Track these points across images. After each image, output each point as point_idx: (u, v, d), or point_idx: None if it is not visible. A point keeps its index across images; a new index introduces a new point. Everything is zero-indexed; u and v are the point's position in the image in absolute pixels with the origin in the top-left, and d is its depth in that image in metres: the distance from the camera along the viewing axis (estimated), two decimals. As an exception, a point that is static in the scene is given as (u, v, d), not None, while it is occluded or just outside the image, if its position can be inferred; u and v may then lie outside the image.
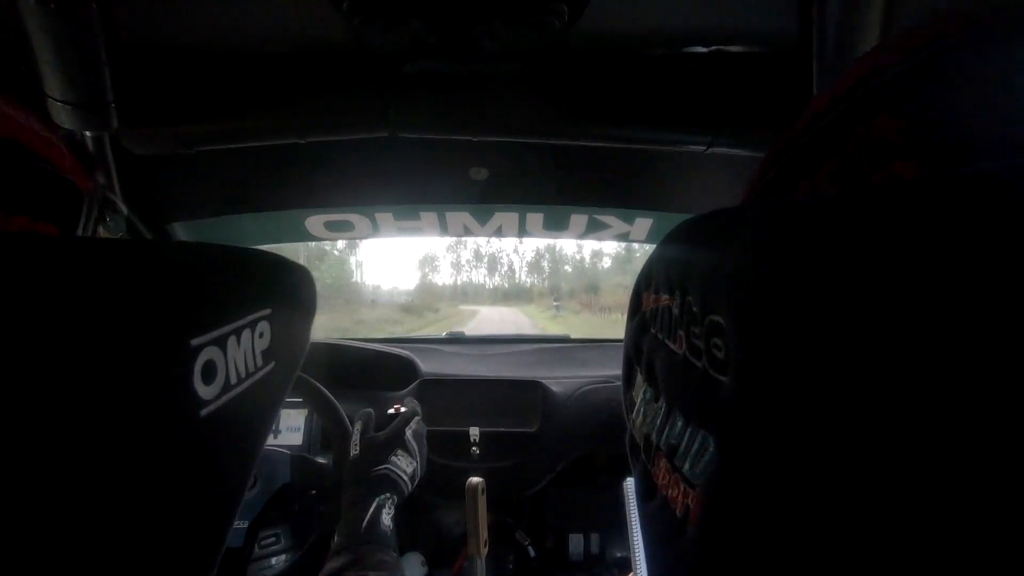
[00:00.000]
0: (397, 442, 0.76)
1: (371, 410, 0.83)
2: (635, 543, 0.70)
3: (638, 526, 0.72)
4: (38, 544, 0.19)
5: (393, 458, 0.73)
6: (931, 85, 0.16)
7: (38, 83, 0.55)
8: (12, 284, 0.18)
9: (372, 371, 1.19)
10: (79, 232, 0.34)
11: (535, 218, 1.09)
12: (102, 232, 0.49)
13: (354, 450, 0.74)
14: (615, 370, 0.93)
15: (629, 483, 0.79)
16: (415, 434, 0.81)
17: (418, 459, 0.79)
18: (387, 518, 0.67)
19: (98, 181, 0.42)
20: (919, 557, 0.11)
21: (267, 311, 0.30)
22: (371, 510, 0.66)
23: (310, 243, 1.22)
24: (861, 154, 0.18)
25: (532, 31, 0.62)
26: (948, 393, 0.11)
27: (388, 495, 0.69)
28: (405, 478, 0.73)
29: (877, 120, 0.18)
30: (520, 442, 1.06)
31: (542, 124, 0.73)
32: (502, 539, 1.13)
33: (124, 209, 0.54)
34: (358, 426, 0.79)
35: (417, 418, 0.83)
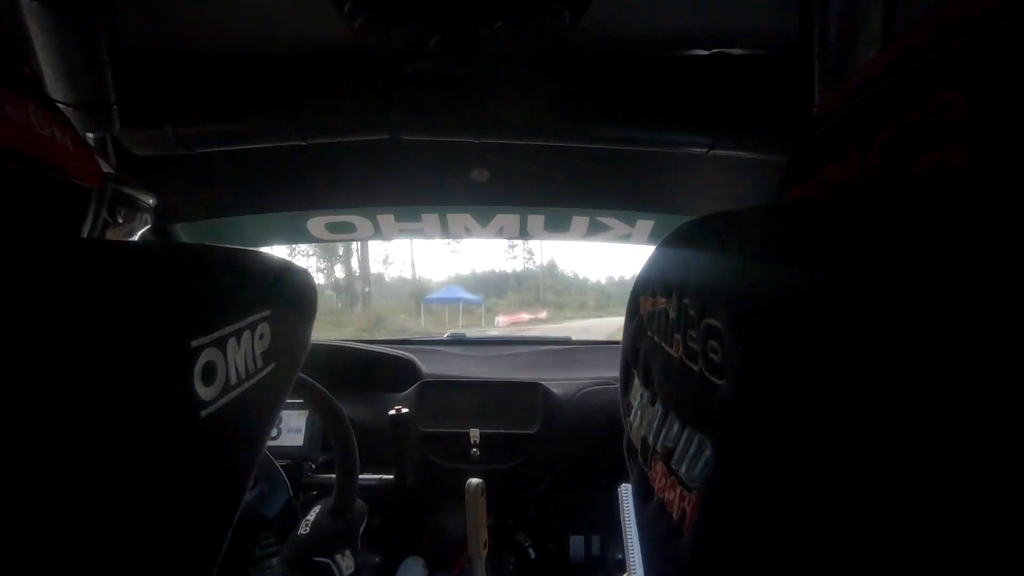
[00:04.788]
0: (348, 538, 0.72)
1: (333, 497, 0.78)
2: (630, 546, 0.70)
3: (633, 530, 0.72)
4: (39, 543, 0.19)
5: (338, 555, 0.69)
6: (1010, 58, 0.14)
7: (40, 85, 0.55)
8: (13, 286, 0.18)
9: (373, 372, 1.19)
10: (85, 230, 0.34)
11: (536, 220, 1.09)
12: (115, 229, 0.48)
13: (304, 529, 0.71)
14: (615, 372, 0.93)
15: (623, 488, 0.79)
16: (363, 534, 0.76)
17: (355, 560, 0.73)
18: None
19: (111, 175, 0.41)
20: (913, 558, 0.11)
21: (267, 313, 0.30)
22: None
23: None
24: (916, 132, 0.16)
25: (533, 33, 0.62)
26: (943, 396, 0.11)
27: None
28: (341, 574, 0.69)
29: (941, 97, 0.16)
30: (520, 444, 1.06)
31: (544, 126, 0.74)
32: (502, 541, 1.13)
33: (150, 200, 0.52)
34: (317, 508, 0.74)
35: (365, 522, 0.78)
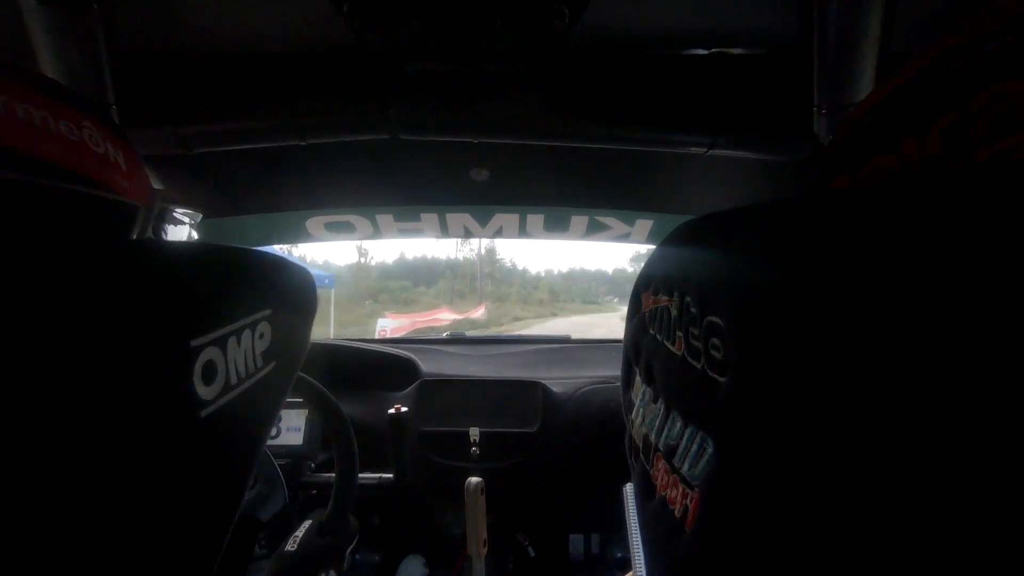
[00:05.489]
0: (335, 559, 0.72)
1: (325, 510, 0.79)
2: (635, 546, 0.70)
3: (637, 529, 0.72)
4: (39, 543, 0.19)
5: (322, 574, 0.70)
6: None
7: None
8: (14, 286, 0.18)
9: (372, 371, 1.19)
10: None
11: (535, 219, 1.09)
12: None
13: (291, 545, 0.70)
14: (615, 370, 0.93)
15: (628, 488, 0.79)
16: (350, 556, 0.77)
17: None
18: None
19: (160, 192, 0.42)
20: (913, 555, 0.11)
21: (267, 312, 0.30)
22: None
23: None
24: (979, 118, 0.16)
25: (533, 33, 0.62)
26: (944, 394, 0.11)
27: None
28: None
29: (1008, 84, 0.15)
30: (520, 442, 1.06)
31: (543, 125, 0.74)
32: (502, 539, 1.13)
33: (198, 217, 0.53)
34: (307, 524, 0.74)
35: (355, 542, 0.78)
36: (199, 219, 0.53)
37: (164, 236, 0.49)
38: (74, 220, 0.29)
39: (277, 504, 0.86)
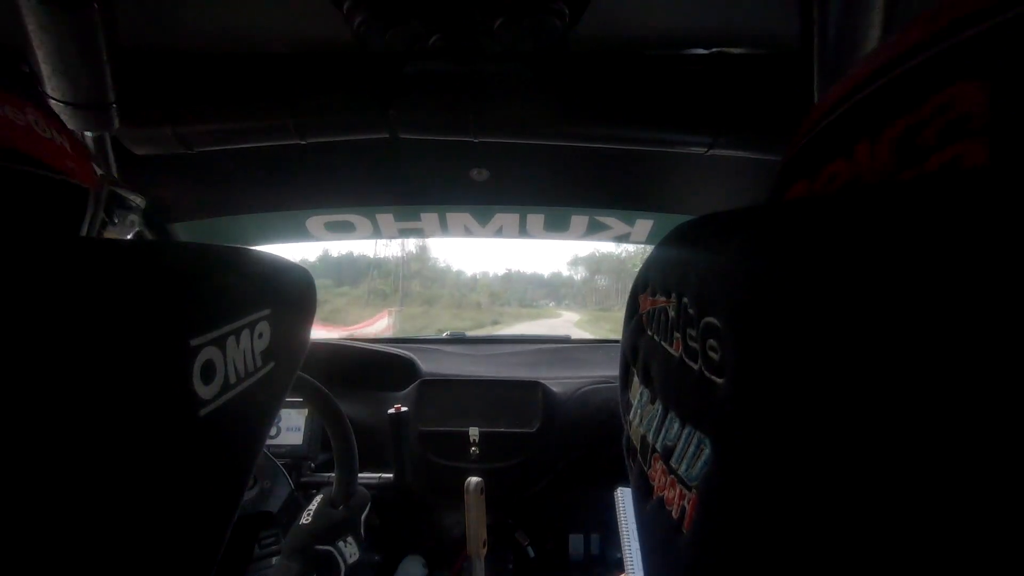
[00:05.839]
0: (351, 526, 0.73)
1: (333, 487, 0.79)
2: (627, 547, 0.70)
3: (629, 532, 0.72)
4: (38, 543, 0.19)
5: (340, 542, 0.70)
6: None
7: (39, 83, 0.55)
8: (13, 285, 0.18)
9: (372, 371, 1.19)
10: (84, 229, 0.34)
11: (536, 219, 1.09)
12: (110, 230, 0.49)
13: (305, 518, 0.71)
14: (615, 370, 0.94)
15: (620, 492, 0.79)
16: (365, 522, 0.77)
17: (359, 546, 0.74)
18: None
19: (105, 176, 0.43)
20: (912, 557, 0.11)
21: (267, 311, 0.30)
22: None
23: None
24: (932, 125, 0.16)
25: (533, 32, 0.62)
26: (942, 394, 0.11)
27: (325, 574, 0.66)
28: (344, 566, 0.70)
29: (957, 86, 0.15)
30: (520, 442, 1.06)
31: (543, 125, 0.74)
32: (502, 539, 1.13)
33: (140, 201, 0.54)
34: (318, 498, 0.75)
35: (368, 508, 0.79)
36: (145, 204, 0.54)
37: (113, 220, 0.50)
38: (33, 203, 0.29)
39: (283, 493, 0.87)
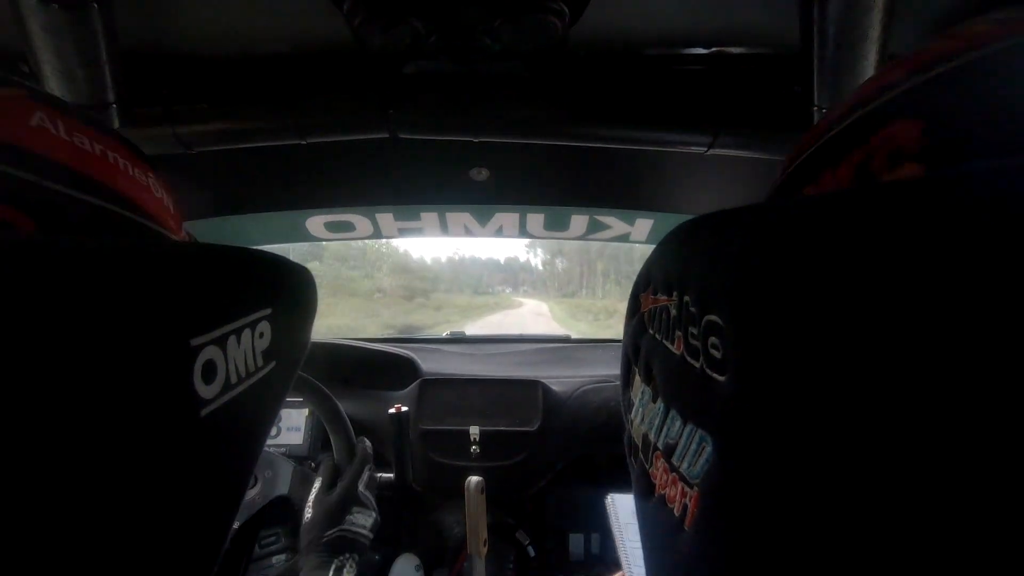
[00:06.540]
0: (351, 500, 0.75)
1: (328, 463, 0.82)
2: (623, 549, 0.71)
3: (624, 537, 0.73)
4: (37, 543, 0.19)
5: (349, 517, 0.72)
6: (949, 95, 0.19)
7: (38, 83, 0.55)
8: (11, 285, 0.18)
9: (372, 371, 1.19)
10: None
11: (536, 219, 1.09)
12: None
13: (308, 512, 0.73)
14: (615, 369, 0.94)
15: (612, 498, 0.79)
16: (367, 484, 0.79)
17: (374, 508, 0.77)
18: None
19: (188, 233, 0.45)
20: (914, 555, 0.11)
21: (268, 311, 0.30)
22: (331, 573, 0.66)
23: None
24: (880, 153, 0.20)
25: (533, 32, 0.62)
26: (944, 391, 0.11)
27: (347, 555, 0.69)
28: (365, 532, 0.72)
29: (897, 124, 0.20)
30: (520, 441, 1.06)
31: (543, 125, 0.73)
32: (502, 539, 1.13)
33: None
34: (314, 488, 0.77)
35: (368, 466, 0.81)
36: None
37: None
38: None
39: (287, 472, 0.87)
